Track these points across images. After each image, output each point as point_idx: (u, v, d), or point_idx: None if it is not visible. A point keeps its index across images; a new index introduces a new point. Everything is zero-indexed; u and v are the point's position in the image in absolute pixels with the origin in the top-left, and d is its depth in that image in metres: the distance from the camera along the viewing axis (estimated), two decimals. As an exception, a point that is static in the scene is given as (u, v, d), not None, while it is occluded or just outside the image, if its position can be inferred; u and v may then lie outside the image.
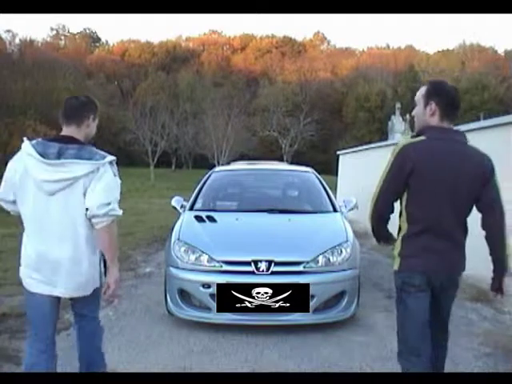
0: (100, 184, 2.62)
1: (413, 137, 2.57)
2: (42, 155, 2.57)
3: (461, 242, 2.64)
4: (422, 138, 2.51)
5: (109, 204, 2.61)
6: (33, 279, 2.70)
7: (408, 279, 2.52)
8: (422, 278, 2.51)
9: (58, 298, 2.77)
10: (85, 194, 2.60)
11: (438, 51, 63.92)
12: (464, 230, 2.62)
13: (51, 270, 2.65)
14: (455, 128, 2.68)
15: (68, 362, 3.57)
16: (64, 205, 2.61)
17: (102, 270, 2.78)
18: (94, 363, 3.01)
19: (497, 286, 2.58)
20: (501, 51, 61.01)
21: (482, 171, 2.62)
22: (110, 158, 2.69)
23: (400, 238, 2.57)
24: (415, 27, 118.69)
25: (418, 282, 2.50)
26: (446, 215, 2.49)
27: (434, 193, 2.47)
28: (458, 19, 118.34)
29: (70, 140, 2.66)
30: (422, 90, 2.60)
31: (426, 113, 2.56)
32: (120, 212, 2.69)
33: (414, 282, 2.51)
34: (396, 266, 2.58)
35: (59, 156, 2.59)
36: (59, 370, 3.42)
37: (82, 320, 3.02)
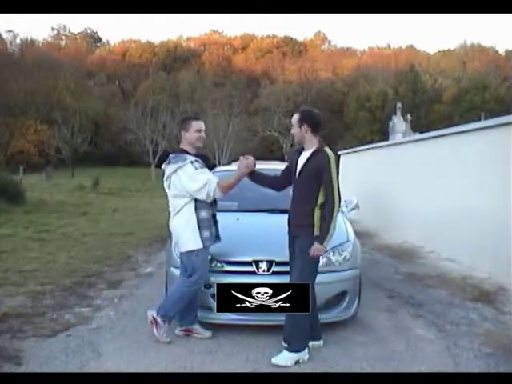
0: (184, 179, 3.87)
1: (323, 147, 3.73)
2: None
3: None
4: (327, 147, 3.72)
5: (202, 187, 3.84)
6: None
7: None
8: None
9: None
10: (169, 186, 4.00)
11: (439, 51, 63.97)
12: None
13: None
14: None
15: (68, 362, 3.58)
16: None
17: (187, 236, 3.91)
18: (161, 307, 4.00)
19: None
20: (502, 51, 60.97)
21: None
22: (189, 160, 3.89)
23: (319, 214, 3.66)
24: (416, 27, 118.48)
25: None
26: None
27: None
28: (459, 19, 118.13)
29: (178, 150, 4.08)
30: (296, 117, 3.77)
31: (301, 131, 3.74)
32: (213, 186, 3.86)
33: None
34: (318, 233, 3.64)
35: (169, 162, 4.01)
36: (59, 369, 3.43)
37: None
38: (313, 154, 3.71)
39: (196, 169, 3.90)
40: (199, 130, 4.03)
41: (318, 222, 3.67)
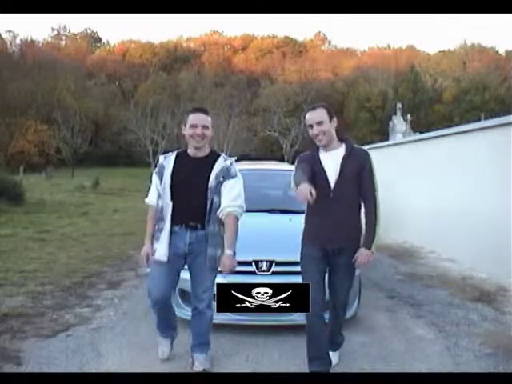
0: None
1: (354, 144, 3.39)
2: None
3: None
4: None
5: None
6: None
7: None
8: None
9: None
10: None
11: (439, 51, 64.03)
12: None
13: None
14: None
15: (68, 362, 3.58)
16: None
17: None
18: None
19: None
20: (502, 51, 61.02)
21: None
22: (159, 163, 3.47)
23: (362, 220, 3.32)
24: (416, 27, 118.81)
25: None
26: None
27: None
28: (459, 19, 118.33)
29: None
30: (324, 111, 3.26)
31: (332, 126, 3.26)
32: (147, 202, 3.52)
33: None
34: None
35: None
36: (59, 370, 3.43)
37: None
38: (349, 152, 3.26)
39: (155, 173, 3.46)
40: (194, 126, 3.29)
41: (364, 229, 3.33)
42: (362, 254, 3.23)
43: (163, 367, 3.48)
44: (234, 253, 3.30)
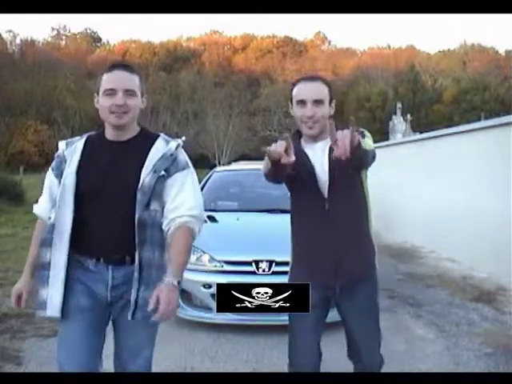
0: None
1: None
2: None
3: None
4: None
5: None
6: None
7: None
8: None
9: None
10: None
11: (439, 51, 64.02)
12: None
13: None
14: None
15: (69, 361, 3.58)
16: None
17: None
18: None
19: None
20: (502, 51, 61.01)
21: None
22: (58, 151, 2.12)
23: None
24: (416, 27, 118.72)
25: None
26: None
27: None
28: (459, 19, 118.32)
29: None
30: (324, 88, 2.16)
31: (331, 111, 2.22)
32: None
33: None
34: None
35: None
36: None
37: None
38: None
39: (51, 169, 2.13)
40: (111, 92, 1.97)
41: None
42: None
43: (163, 367, 3.48)
44: (179, 283, 1.92)
